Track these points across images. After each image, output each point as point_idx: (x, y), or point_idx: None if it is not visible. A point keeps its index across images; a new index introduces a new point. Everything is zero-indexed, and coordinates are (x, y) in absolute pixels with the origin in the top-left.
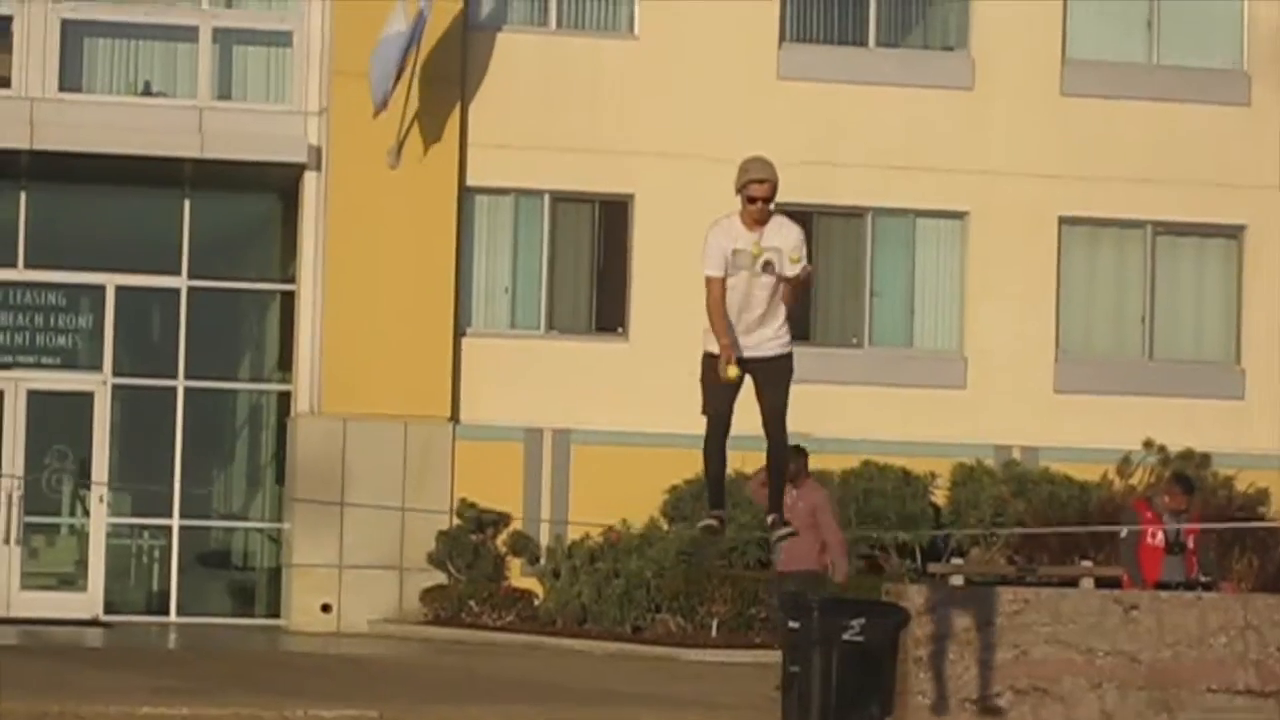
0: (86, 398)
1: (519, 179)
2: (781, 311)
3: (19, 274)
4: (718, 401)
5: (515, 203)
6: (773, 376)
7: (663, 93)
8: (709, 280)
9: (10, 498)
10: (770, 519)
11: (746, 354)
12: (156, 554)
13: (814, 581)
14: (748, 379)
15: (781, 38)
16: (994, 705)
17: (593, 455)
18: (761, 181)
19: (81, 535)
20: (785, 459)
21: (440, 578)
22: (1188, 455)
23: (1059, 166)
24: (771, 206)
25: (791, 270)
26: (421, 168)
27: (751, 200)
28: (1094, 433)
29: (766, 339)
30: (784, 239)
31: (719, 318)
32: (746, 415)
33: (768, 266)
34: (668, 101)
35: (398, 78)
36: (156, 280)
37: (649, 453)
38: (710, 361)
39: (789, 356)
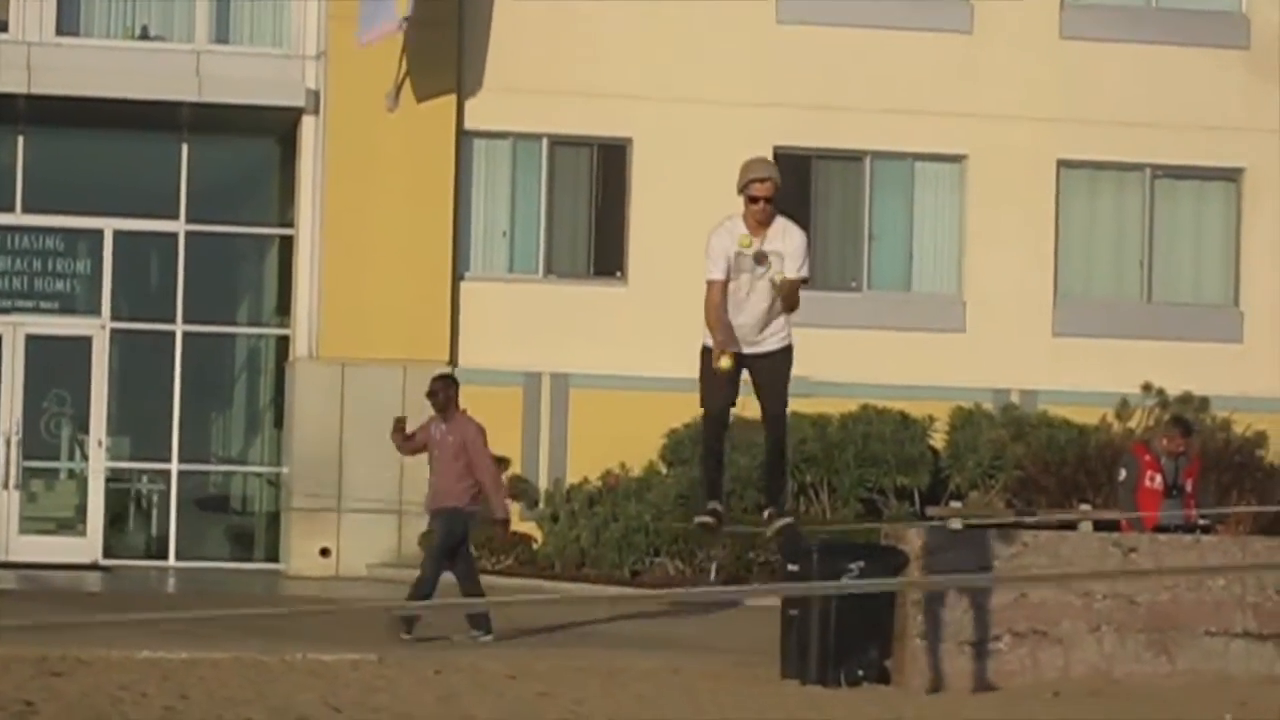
0: (85, 342)
1: (517, 123)
2: (776, 307)
3: (17, 218)
4: (716, 398)
5: (514, 147)
6: (771, 374)
7: (661, 36)
8: (710, 283)
9: (9, 442)
10: (766, 513)
11: (747, 350)
12: (155, 498)
13: (461, 520)
14: (745, 375)
15: None
16: (989, 681)
17: (591, 399)
18: (763, 180)
19: (80, 480)
20: (784, 459)
21: None
22: (1186, 398)
23: (1058, 110)
24: (773, 208)
25: (793, 273)
26: (420, 112)
27: (753, 200)
28: (1092, 376)
29: (767, 336)
30: (786, 243)
31: (716, 319)
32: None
33: (761, 258)
34: (666, 45)
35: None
36: (155, 225)
37: (648, 396)
38: (708, 357)
39: (788, 350)
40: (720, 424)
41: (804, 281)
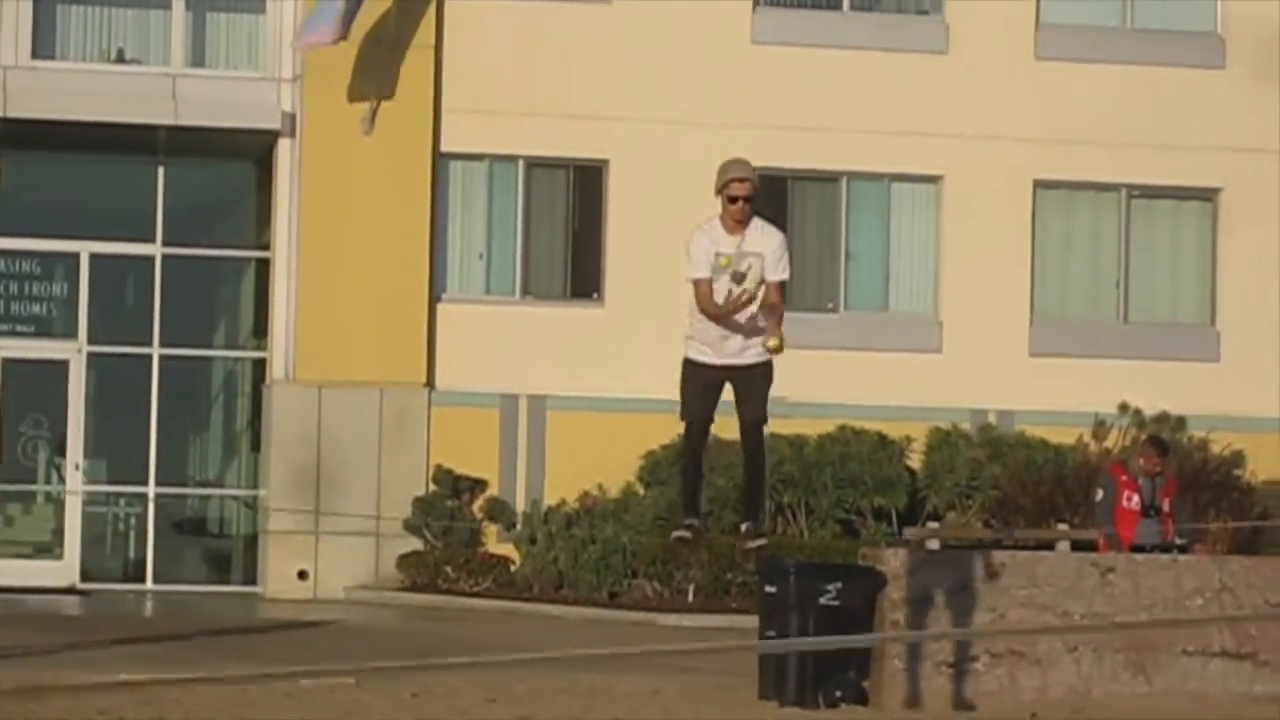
0: (61, 366)
1: (493, 144)
2: (759, 317)
3: None
4: (697, 406)
5: (490, 168)
6: (752, 385)
7: (637, 58)
8: (696, 282)
9: None
10: (744, 528)
11: (726, 361)
12: (133, 521)
13: None
14: (727, 387)
15: (755, 2)
16: (968, 701)
17: (568, 421)
18: (742, 181)
19: (57, 503)
20: (762, 470)
21: (416, 544)
22: (1163, 418)
23: (1034, 130)
24: (750, 209)
25: (773, 275)
26: (396, 134)
27: (732, 200)
28: (1069, 396)
29: (748, 346)
30: (765, 244)
31: (710, 304)
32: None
33: (739, 277)
34: (642, 67)
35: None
36: (131, 248)
37: (625, 418)
38: (691, 368)
39: (768, 364)
40: (701, 433)
41: (784, 283)
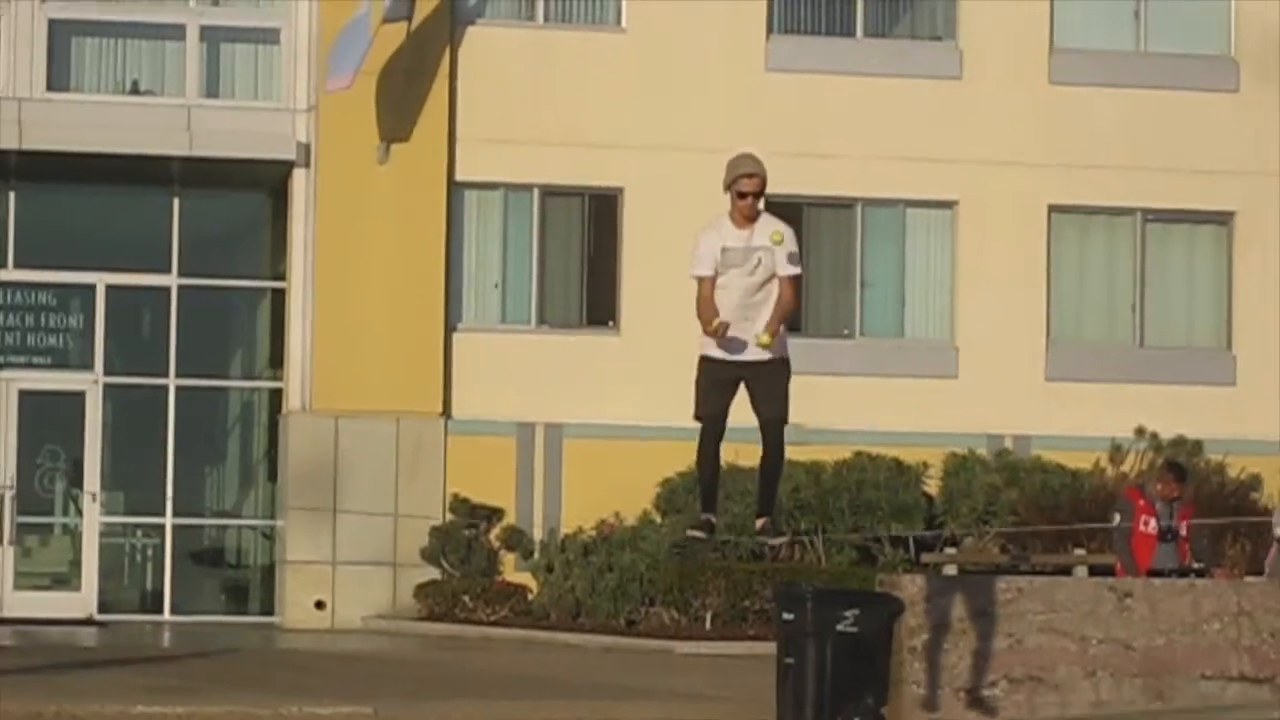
0: (78, 397)
1: (508, 173)
2: (774, 312)
3: (9, 274)
4: (712, 404)
5: (505, 197)
6: (768, 380)
7: (651, 86)
8: (700, 279)
9: (3, 498)
10: (760, 524)
11: (741, 358)
12: (150, 552)
13: None
14: (742, 387)
15: (769, 29)
16: (987, 702)
17: (585, 449)
18: (751, 176)
19: (75, 534)
20: (780, 467)
21: (434, 573)
22: (1180, 442)
23: (1048, 155)
24: (760, 204)
25: (785, 269)
26: (411, 163)
27: (741, 195)
28: (1086, 421)
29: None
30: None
31: (707, 308)
32: (741, 409)
33: (759, 266)
34: (656, 94)
35: (358, 64)
36: (147, 279)
37: (641, 446)
38: (705, 365)
39: (784, 361)
40: (716, 430)
41: (796, 279)
